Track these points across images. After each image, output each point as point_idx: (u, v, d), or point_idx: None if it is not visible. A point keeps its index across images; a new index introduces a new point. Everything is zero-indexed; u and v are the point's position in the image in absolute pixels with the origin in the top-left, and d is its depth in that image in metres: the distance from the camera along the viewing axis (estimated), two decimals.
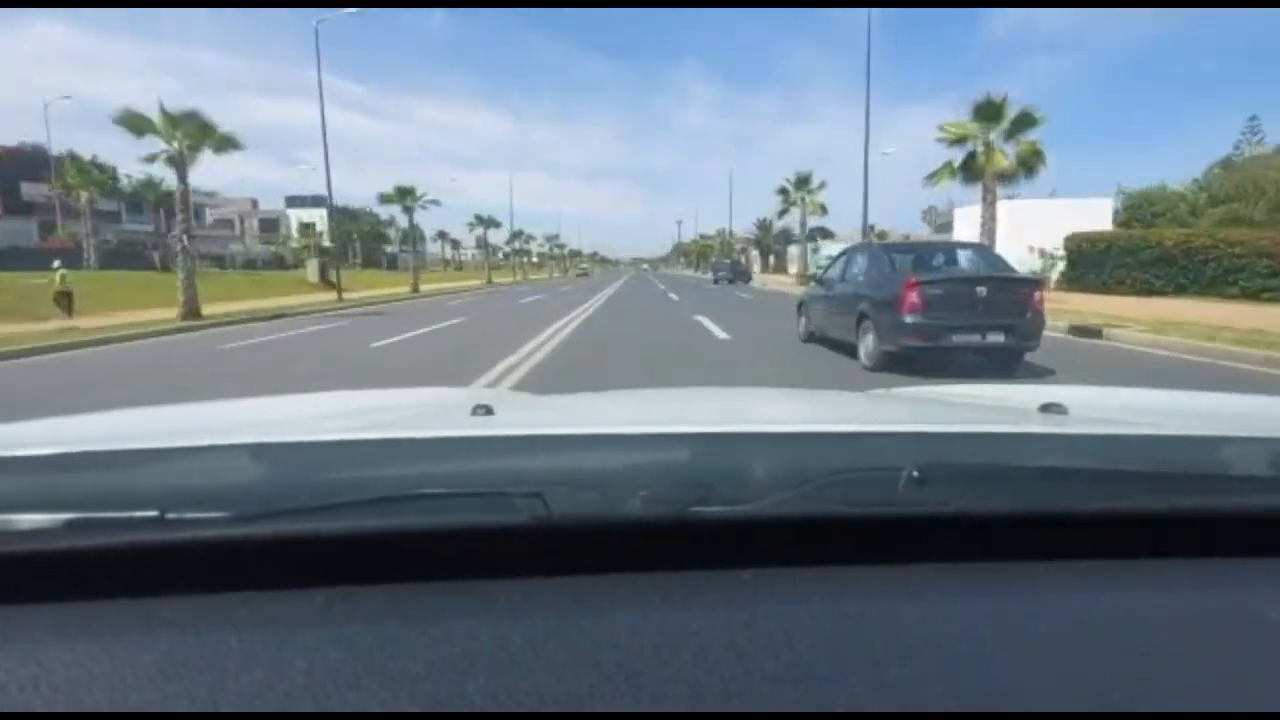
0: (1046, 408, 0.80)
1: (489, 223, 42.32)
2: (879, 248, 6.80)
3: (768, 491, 0.44)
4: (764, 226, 55.89)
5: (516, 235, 52.75)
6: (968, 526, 0.44)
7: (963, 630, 0.37)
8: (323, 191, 20.34)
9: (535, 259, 72.83)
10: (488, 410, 0.74)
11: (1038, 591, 0.41)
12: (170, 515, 0.41)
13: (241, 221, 56.54)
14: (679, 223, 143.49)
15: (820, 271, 8.01)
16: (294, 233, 57.99)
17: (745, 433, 0.60)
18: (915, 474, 0.45)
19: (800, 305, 7.42)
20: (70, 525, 0.41)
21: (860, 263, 6.22)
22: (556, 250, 74.30)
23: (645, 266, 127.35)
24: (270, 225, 57.75)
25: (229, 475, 0.52)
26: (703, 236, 66.62)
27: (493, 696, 0.31)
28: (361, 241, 57.75)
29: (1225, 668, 0.35)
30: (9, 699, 0.31)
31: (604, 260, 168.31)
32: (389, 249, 65.39)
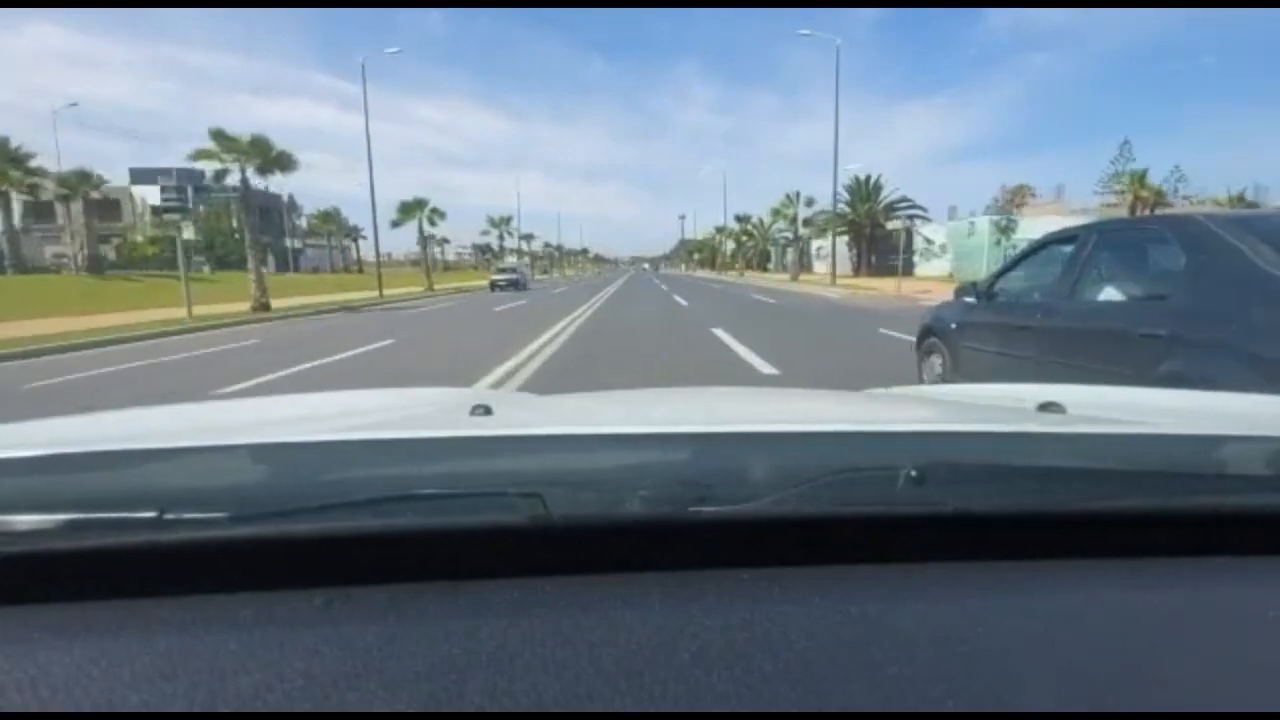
0: (1045, 407, 0.97)
1: (267, 158, 17.96)
2: (1233, 222, 2.95)
3: (766, 491, 0.53)
4: (863, 190, 40.85)
5: (415, 208, 34.82)
6: (966, 526, 0.55)
7: (961, 630, 0.45)
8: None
9: (518, 254, 70.52)
10: (486, 410, 0.90)
11: (1037, 591, 0.50)
12: (169, 516, 0.49)
13: (68, 206, 53.81)
14: (682, 217, 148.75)
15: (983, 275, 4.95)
16: (145, 217, 55.28)
17: (744, 432, 0.71)
18: (914, 473, 0.54)
19: (929, 334, 5.12)
20: (68, 526, 0.49)
21: (1159, 258, 3.50)
22: (523, 242, 70.33)
23: (645, 266, 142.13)
24: (109, 209, 55.09)
25: (227, 476, 0.62)
26: (739, 219, 58.18)
27: (492, 696, 0.38)
28: (221, 233, 54.28)
29: (1226, 666, 0.43)
30: (8, 700, 0.38)
31: (599, 259, 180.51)
32: (293, 243, 62.90)
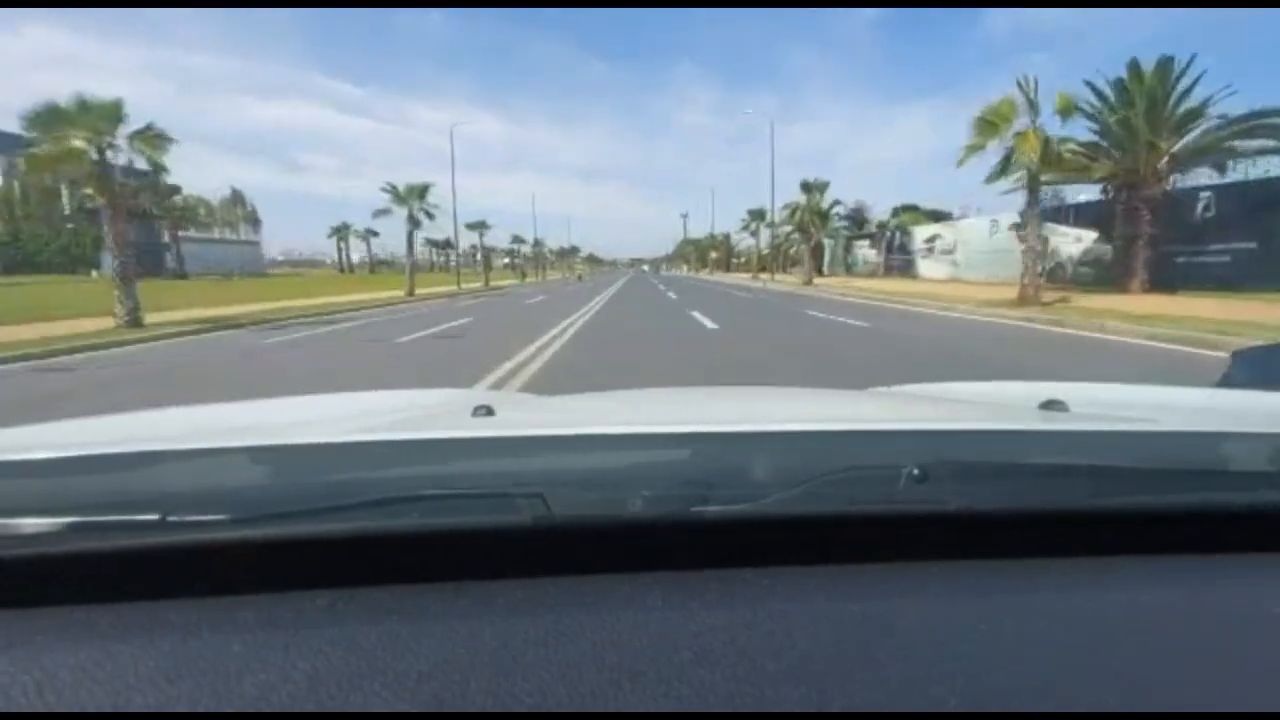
0: (1047, 405, 1.01)
1: None
2: None
3: (769, 490, 0.56)
4: (1151, 92, 17.31)
5: (58, 119, 11.26)
6: (969, 524, 0.58)
7: (964, 629, 0.47)
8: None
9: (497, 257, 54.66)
10: (488, 411, 0.95)
11: (1039, 589, 0.52)
12: (172, 518, 0.51)
13: None
14: (684, 216, 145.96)
15: None
16: None
17: (746, 431, 0.73)
18: (916, 472, 0.56)
19: None
20: (72, 528, 0.51)
21: None
22: (476, 233, 51.79)
23: (645, 267, 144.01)
24: None
25: (230, 477, 0.65)
26: (811, 186, 35.92)
27: (495, 696, 0.40)
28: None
29: (1227, 665, 0.45)
30: (14, 702, 0.40)
31: (593, 259, 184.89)
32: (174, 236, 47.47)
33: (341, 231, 67.55)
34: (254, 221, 70.62)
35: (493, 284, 46.25)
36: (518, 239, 67.20)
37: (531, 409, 1.27)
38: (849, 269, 46.08)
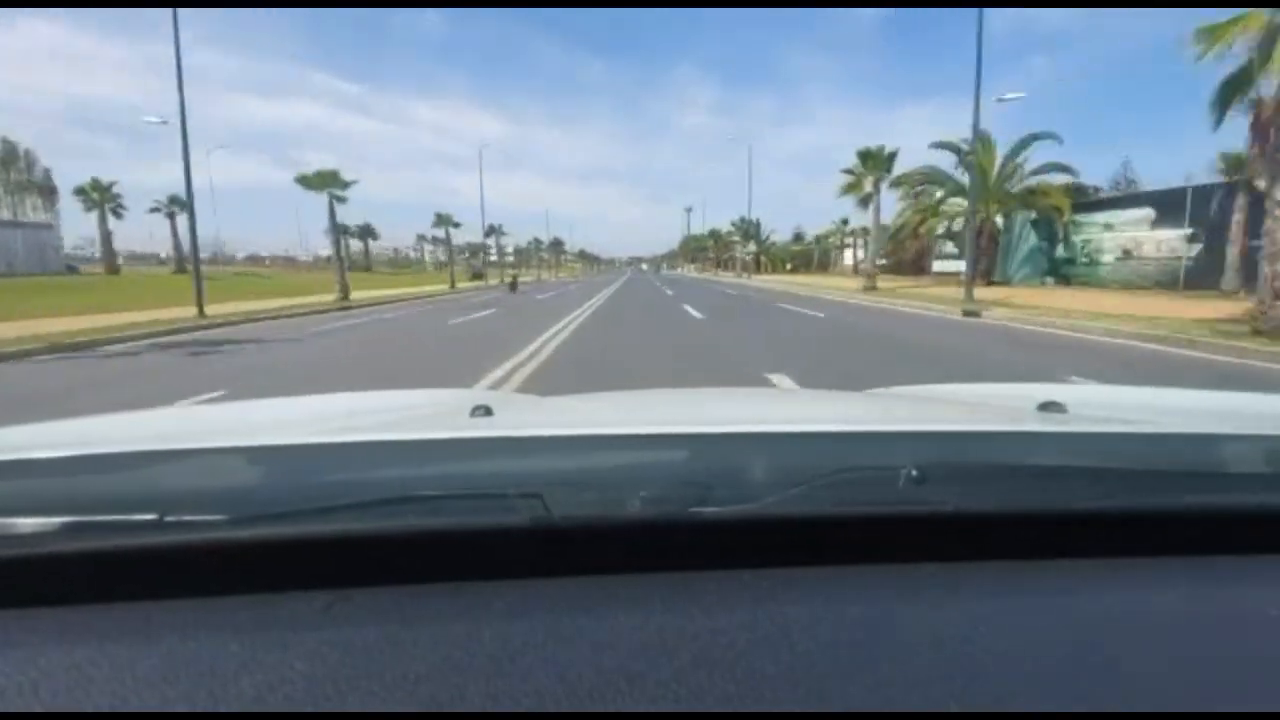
0: (1045, 406, 1.02)
1: None
2: None
3: (767, 491, 0.56)
4: None
5: None
6: (967, 526, 0.58)
7: (962, 630, 0.47)
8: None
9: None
10: (487, 411, 0.96)
11: (1037, 591, 0.52)
12: (169, 518, 0.51)
13: None
14: (689, 210, 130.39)
15: None
16: None
17: (744, 433, 0.73)
18: (914, 473, 0.56)
19: None
20: (69, 529, 0.51)
21: None
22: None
23: (644, 266, 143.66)
24: None
25: (228, 477, 0.64)
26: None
27: (493, 698, 0.40)
28: None
29: (1226, 666, 0.45)
30: (10, 703, 0.40)
31: (585, 256, 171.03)
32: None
33: (91, 191, 39.51)
34: (46, 194, 46.52)
35: (390, 293, 25.08)
36: (442, 219, 40.51)
37: (530, 410, 1.27)
38: (1056, 270, 23.50)
